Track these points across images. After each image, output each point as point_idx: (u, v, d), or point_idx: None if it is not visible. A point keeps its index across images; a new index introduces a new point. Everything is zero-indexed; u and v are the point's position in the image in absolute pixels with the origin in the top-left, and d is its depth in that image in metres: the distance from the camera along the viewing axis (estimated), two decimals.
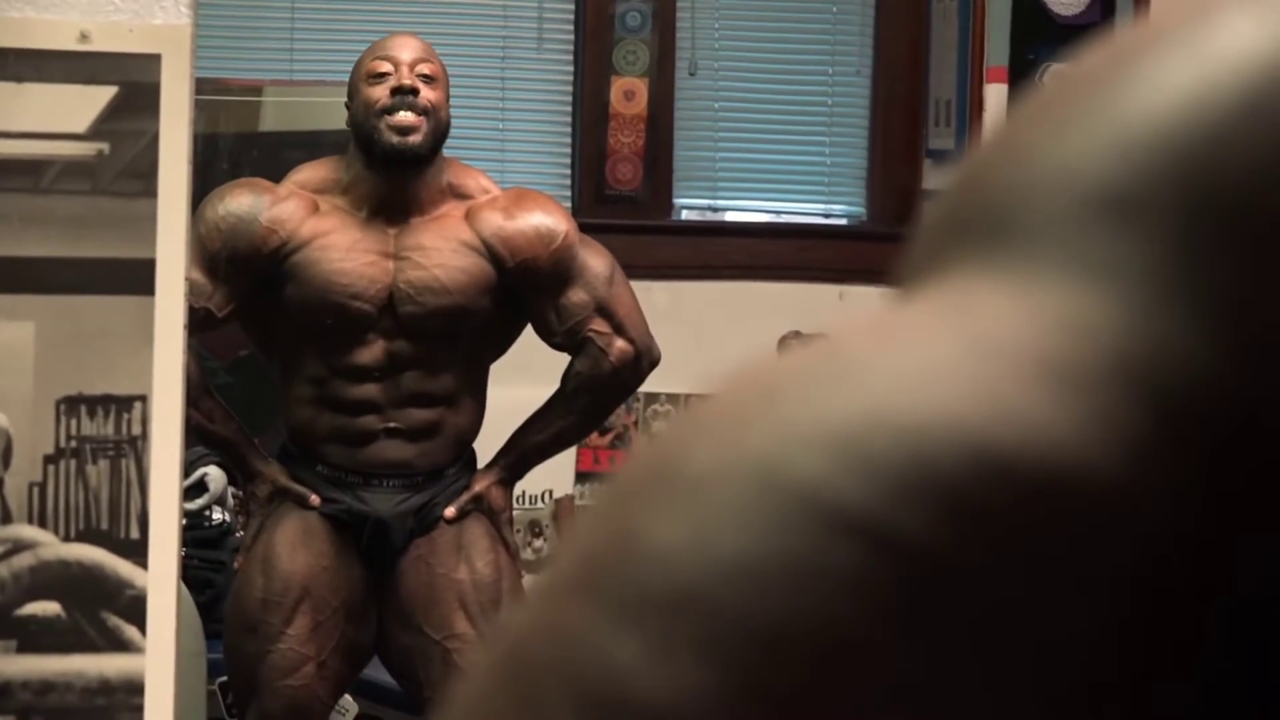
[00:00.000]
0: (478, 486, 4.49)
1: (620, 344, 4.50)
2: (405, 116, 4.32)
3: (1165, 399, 0.48)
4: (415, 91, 4.33)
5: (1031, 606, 0.47)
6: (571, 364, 4.53)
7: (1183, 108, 0.51)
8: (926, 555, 0.46)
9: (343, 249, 4.35)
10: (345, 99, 4.47)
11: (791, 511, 0.47)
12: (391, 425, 4.41)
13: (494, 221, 4.42)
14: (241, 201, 4.38)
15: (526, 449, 4.57)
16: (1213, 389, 0.48)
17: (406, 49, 4.42)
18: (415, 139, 4.33)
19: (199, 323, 4.22)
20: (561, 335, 4.48)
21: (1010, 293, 0.50)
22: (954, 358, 0.49)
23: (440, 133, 4.38)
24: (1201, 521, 0.48)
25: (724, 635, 0.46)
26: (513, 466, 4.57)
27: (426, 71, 4.38)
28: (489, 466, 4.55)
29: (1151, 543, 0.48)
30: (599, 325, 4.48)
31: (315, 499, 4.42)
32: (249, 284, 4.36)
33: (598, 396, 4.57)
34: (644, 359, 4.55)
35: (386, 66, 4.36)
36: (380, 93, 4.34)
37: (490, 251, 4.39)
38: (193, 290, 4.09)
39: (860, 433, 0.48)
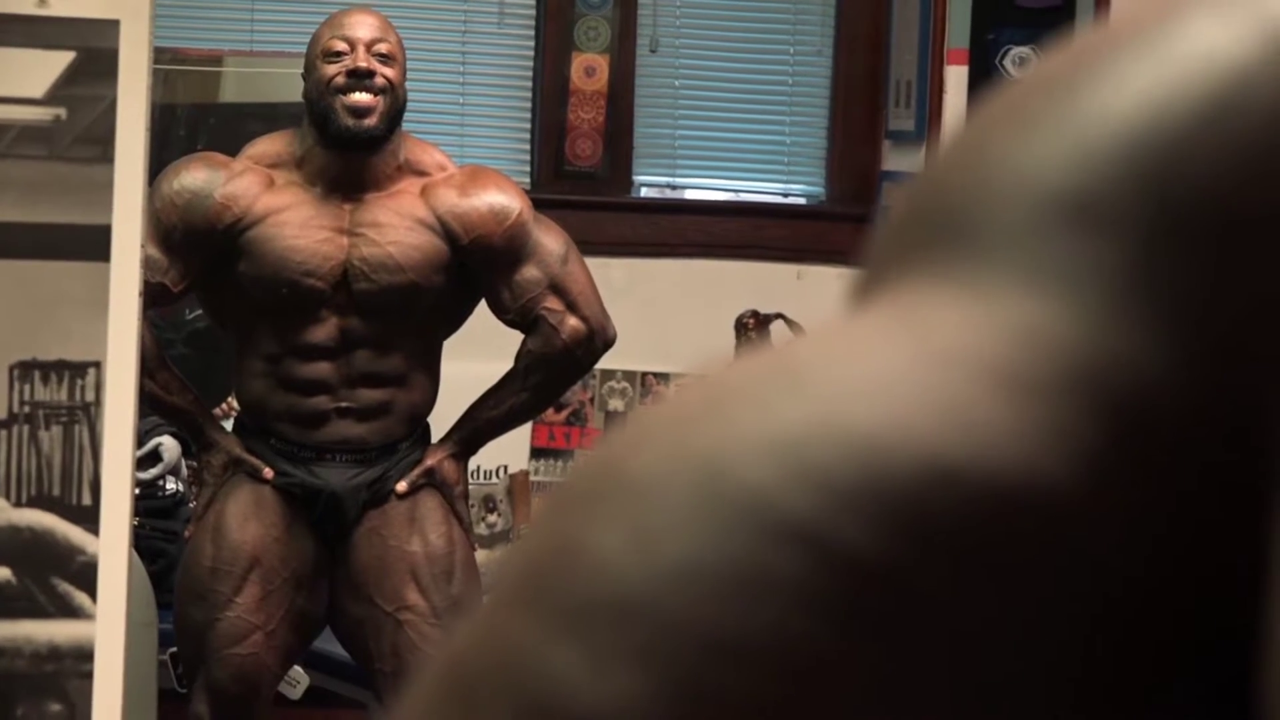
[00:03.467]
0: (430, 461, 4.50)
1: (573, 322, 4.50)
2: (361, 97, 4.32)
3: (1122, 408, 0.48)
4: (371, 74, 4.33)
5: (988, 620, 0.46)
6: (524, 341, 4.54)
7: (1144, 113, 0.50)
8: (876, 566, 0.46)
9: (296, 225, 4.34)
10: (302, 71, 4.46)
11: (736, 518, 0.46)
12: (343, 405, 4.40)
13: (449, 199, 4.41)
14: (196, 176, 4.38)
15: (479, 425, 4.58)
16: (1172, 397, 0.48)
17: (364, 27, 4.40)
18: (370, 120, 4.33)
19: (155, 297, 4.22)
20: (515, 312, 4.48)
21: (967, 300, 0.50)
22: (907, 367, 0.48)
23: (396, 112, 4.38)
24: (1165, 532, 0.47)
25: (664, 645, 0.46)
26: (466, 441, 4.57)
27: (383, 50, 4.38)
28: (442, 441, 4.55)
29: (1112, 554, 0.47)
30: (552, 303, 4.48)
31: (269, 472, 4.42)
32: (204, 259, 4.35)
33: (550, 374, 4.57)
34: (597, 338, 4.55)
35: (343, 45, 4.35)
36: (336, 72, 4.33)
37: (445, 228, 4.39)
38: (149, 265, 4.09)
39: (809, 441, 0.47)
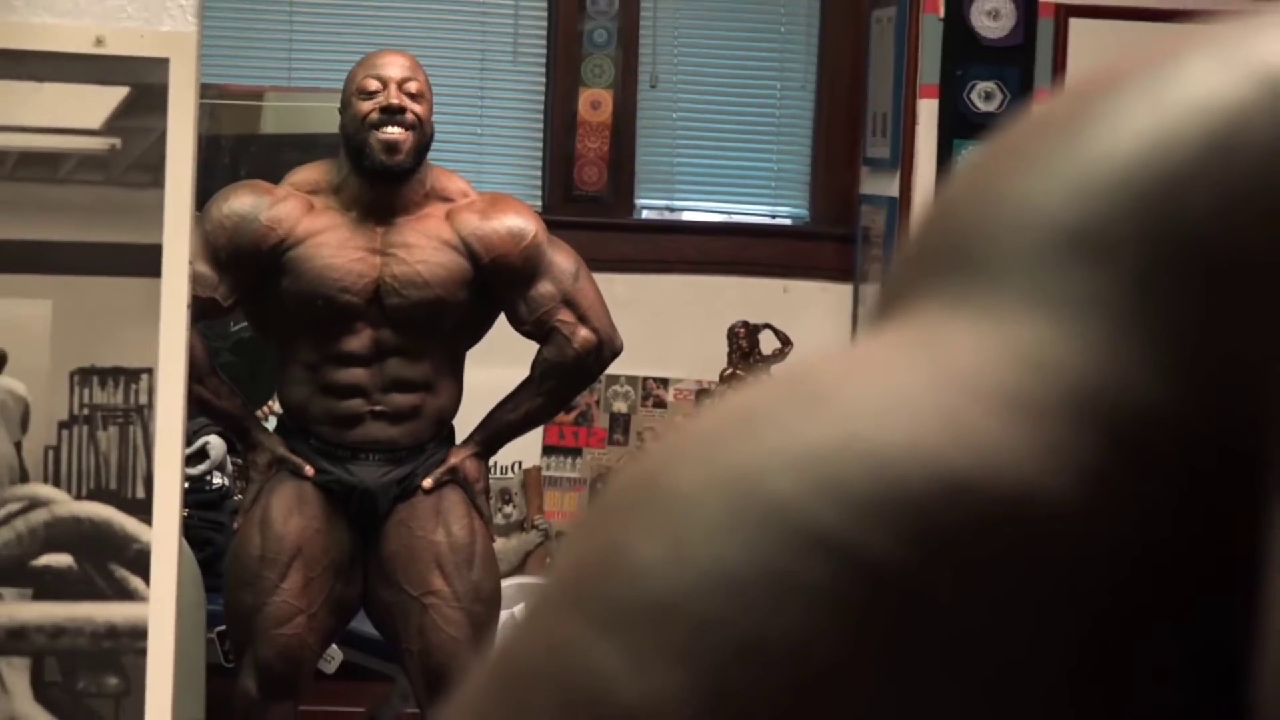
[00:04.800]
0: (453, 460, 4.50)
1: (584, 333, 4.51)
2: (392, 131, 4.33)
3: (1119, 429, 0.47)
4: (402, 110, 4.34)
5: (993, 624, 0.46)
6: (540, 351, 4.54)
7: (1143, 150, 0.49)
8: (891, 572, 0.45)
9: (334, 246, 4.36)
10: (339, 106, 4.47)
11: (765, 529, 0.46)
12: (377, 408, 4.42)
13: (471, 222, 4.43)
14: (244, 201, 4.39)
15: (499, 427, 4.58)
16: (1168, 419, 0.47)
17: (395, 67, 4.42)
18: (400, 156, 4.35)
19: (206, 311, 4.23)
20: (531, 324, 4.50)
21: (976, 327, 0.49)
22: (921, 389, 0.48)
23: (424, 145, 4.39)
24: (1164, 548, 0.47)
25: (699, 644, 0.45)
26: (486, 442, 4.58)
27: (413, 89, 4.39)
28: (465, 442, 4.55)
29: (1111, 567, 0.46)
30: (565, 316, 4.49)
31: (310, 470, 4.42)
32: (250, 276, 4.36)
33: (563, 380, 4.58)
34: (605, 347, 4.56)
35: (376, 84, 4.37)
36: (370, 108, 4.34)
37: (468, 249, 4.41)
38: (200, 282, 4.09)
39: (832, 457, 0.46)
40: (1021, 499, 0.46)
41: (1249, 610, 0.46)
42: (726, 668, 0.45)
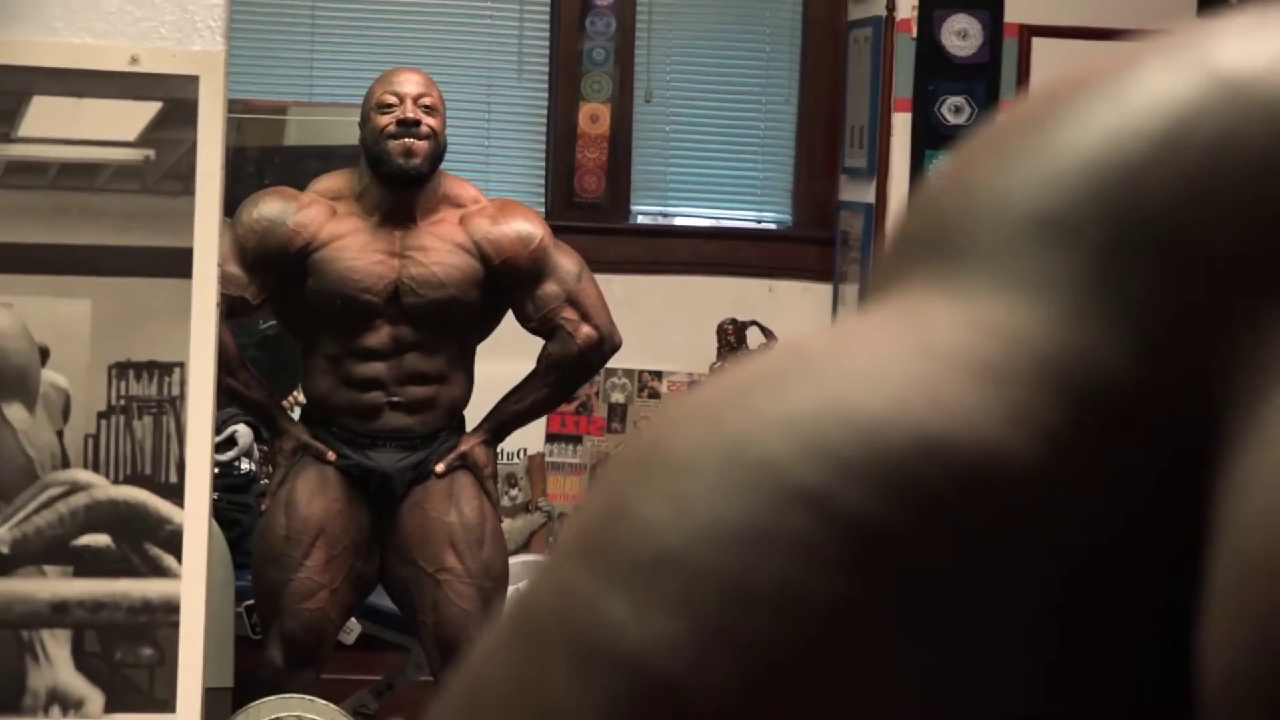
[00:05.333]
0: (463, 446, 4.50)
1: (586, 330, 4.51)
2: (409, 143, 4.34)
3: (1083, 396, 0.47)
4: (418, 123, 4.35)
5: (963, 574, 0.46)
6: (545, 347, 4.55)
7: (1104, 143, 0.50)
8: (871, 525, 0.46)
9: (355, 249, 4.37)
10: (358, 120, 4.48)
11: (757, 487, 0.46)
12: (395, 399, 4.43)
13: (483, 227, 4.44)
14: (272, 207, 4.40)
15: (507, 416, 4.59)
16: (1128, 387, 0.48)
17: (410, 84, 4.43)
18: (417, 161, 4.35)
19: (236, 309, 4.23)
20: (537, 321, 4.50)
21: (954, 304, 0.50)
22: (900, 359, 0.48)
23: (438, 154, 4.40)
24: (1127, 509, 0.47)
25: (695, 592, 0.46)
26: (494, 430, 4.58)
27: (427, 103, 4.39)
28: (474, 430, 4.55)
29: (1072, 517, 0.47)
30: (568, 314, 4.49)
31: (332, 455, 4.42)
32: (278, 276, 4.37)
33: (566, 374, 4.58)
34: (606, 343, 4.56)
35: (393, 99, 4.38)
36: (388, 121, 4.35)
37: (480, 251, 4.42)
38: (231, 281, 4.10)
39: (818, 421, 0.47)
40: (992, 458, 0.46)
41: (1201, 559, 0.47)
42: (719, 614, 0.46)
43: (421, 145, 4.34)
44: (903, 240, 0.54)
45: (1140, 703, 0.48)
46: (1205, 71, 0.50)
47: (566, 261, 4.51)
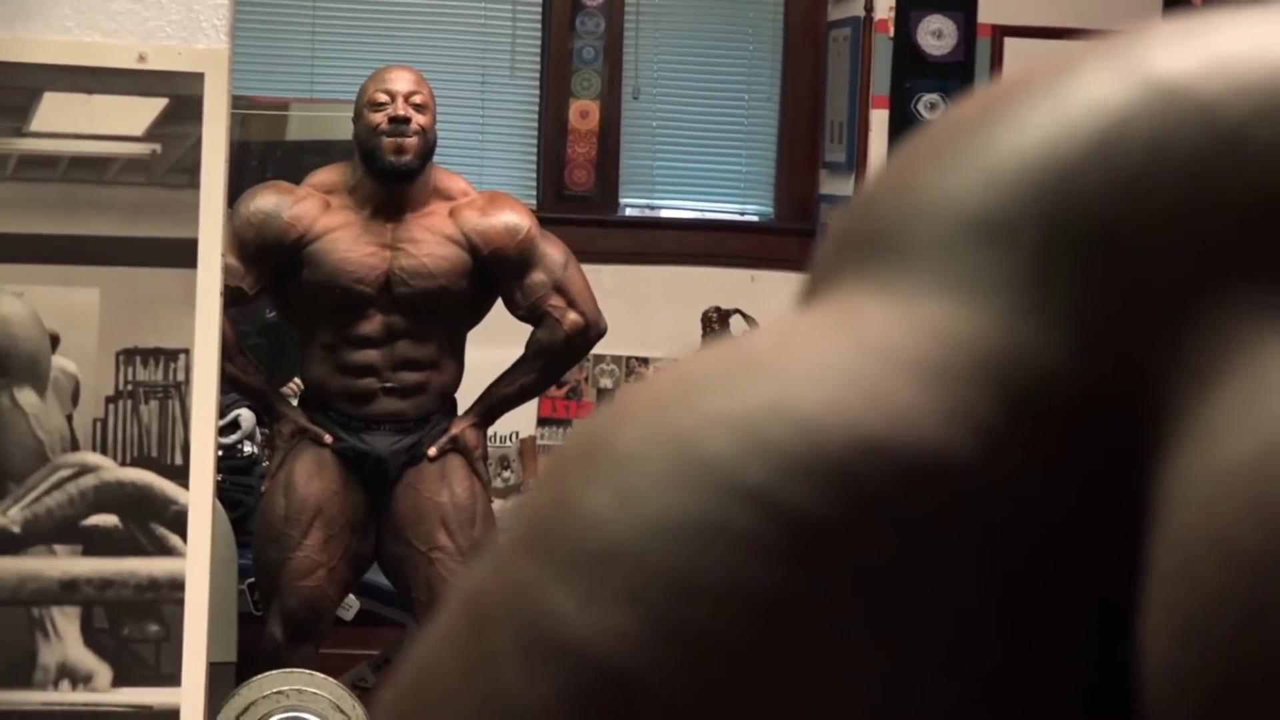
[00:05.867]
0: (454, 430, 4.50)
1: (572, 316, 4.51)
2: (400, 141, 4.33)
3: (1021, 394, 0.47)
4: (408, 120, 4.34)
5: (905, 571, 0.45)
6: (533, 333, 4.54)
7: (1040, 148, 0.49)
8: (813, 521, 0.45)
9: (349, 241, 4.36)
10: (353, 116, 4.47)
11: (700, 483, 0.46)
12: (388, 385, 4.42)
13: (472, 219, 4.44)
14: (268, 200, 4.39)
15: (496, 400, 4.58)
16: (1064, 385, 0.47)
17: (401, 81, 4.41)
18: (407, 157, 4.34)
19: (235, 298, 4.22)
20: (525, 309, 4.50)
21: (891, 304, 0.49)
22: (841, 358, 0.47)
23: (428, 150, 4.39)
24: (1060, 493, 0.46)
25: (643, 584, 0.45)
26: (484, 414, 4.58)
27: (418, 101, 4.38)
28: (465, 414, 4.55)
29: (1011, 512, 0.46)
30: (555, 301, 4.49)
31: (328, 438, 4.42)
32: (274, 267, 4.36)
33: (553, 359, 4.58)
34: (592, 329, 4.56)
35: (384, 97, 4.37)
36: (380, 119, 4.34)
37: (469, 242, 4.41)
38: (229, 273, 4.09)
39: (760, 418, 0.46)
40: (931, 456, 0.46)
41: (1139, 551, 0.46)
42: (664, 607, 0.45)
43: (412, 142, 4.34)
44: (842, 238, 0.53)
45: (1088, 702, 0.47)
46: (1141, 75, 0.50)
47: (553, 251, 4.51)
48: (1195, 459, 0.45)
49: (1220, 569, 0.44)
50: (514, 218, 4.48)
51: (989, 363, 0.47)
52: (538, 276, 4.48)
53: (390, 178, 4.36)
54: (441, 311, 4.42)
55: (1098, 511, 0.47)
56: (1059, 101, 0.50)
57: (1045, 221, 0.49)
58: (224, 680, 4.13)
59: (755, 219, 6.27)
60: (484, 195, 4.56)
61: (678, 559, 0.45)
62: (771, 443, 0.46)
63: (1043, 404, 0.47)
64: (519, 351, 4.59)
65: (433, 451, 4.46)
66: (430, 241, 4.38)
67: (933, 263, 0.50)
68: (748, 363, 0.49)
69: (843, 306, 0.50)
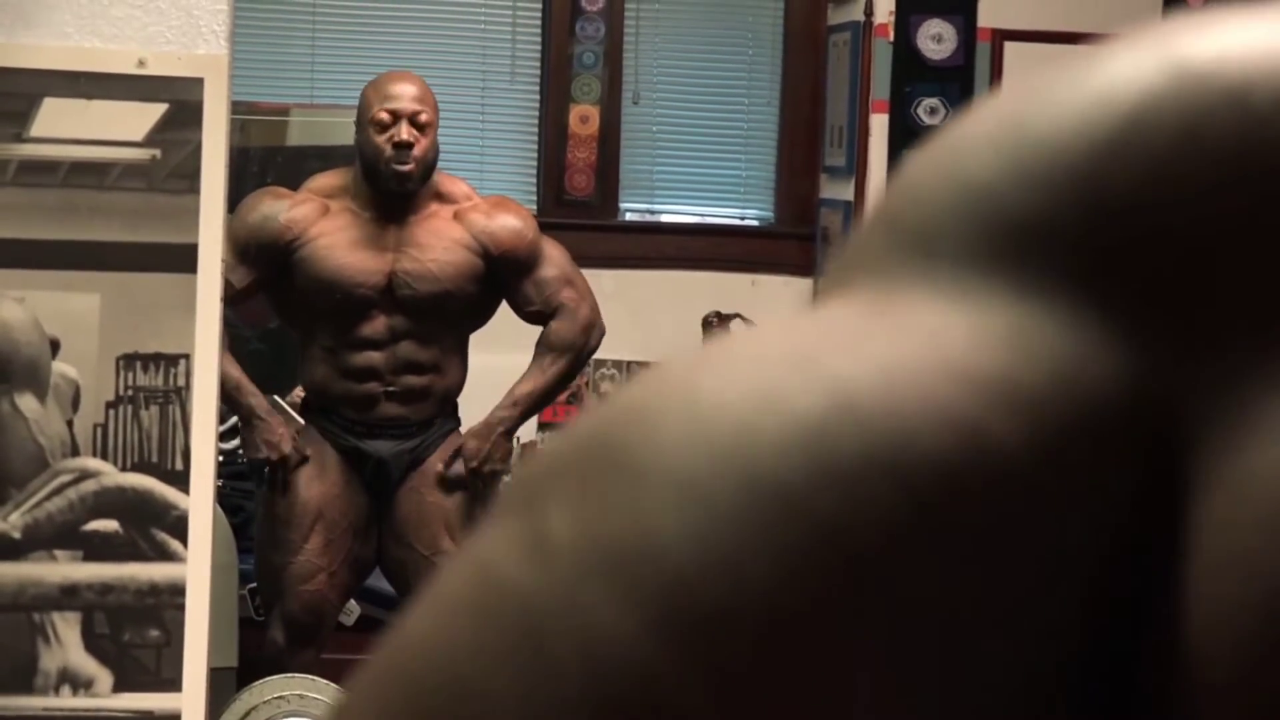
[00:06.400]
0: (472, 445, 4.48)
1: (586, 309, 4.53)
2: (403, 169, 4.33)
3: (1084, 408, 0.46)
4: (412, 145, 4.33)
5: (971, 592, 0.45)
6: (549, 326, 4.54)
7: (1075, 132, 0.49)
8: (889, 561, 0.45)
9: (348, 244, 4.37)
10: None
11: (777, 520, 0.45)
12: (390, 389, 4.42)
13: (480, 222, 4.45)
14: (265, 204, 4.41)
15: (529, 401, 4.56)
16: (1112, 389, 0.47)
17: (406, 98, 4.39)
18: (410, 183, 4.35)
19: (230, 297, 4.23)
20: (540, 303, 4.50)
21: (946, 306, 0.48)
22: (904, 368, 0.46)
23: (430, 165, 4.39)
24: (1105, 498, 0.46)
25: (717, 625, 0.44)
26: (509, 421, 4.55)
27: (422, 120, 4.37)
28: (489, 425, 4.51)
29: (1059, 518, 0.46)
30: (569, 294, 4.51)
31: (288, 446, 4.39)
32: (269, 269, 4.36)
33: (573, 351, 4.55)
34: (598, 326, 4.58)
35: (388, 117, 4.35)
36: (383, 142, 4.33)
37: (480, 244, 4.43)
38: (228, 272, 4.10)
39: (829, 438, 0.45)
40: (995, 471, 0.45)
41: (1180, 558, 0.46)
42: (737, 647, 0.45)
43: (414, 168, 4.35)
44: (885, 224, 0.52)
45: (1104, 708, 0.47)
46: (1171, 60, 0.50)
47: (556, 252, 4.54)
48: (1244, 460, 0.45)
49: (1270, 568, 0.44)
50: (518, 222, 4.51)
51: (1050, 379, 0.47)
52: (549, 271, 4.50)
53: (393, 194, 4.38)
54: (446, 315, 4.42)
55: (1147, 513, 0.46)
56: (1091, 87, 0.50)
57: (1083, 213, 0.48)
58: (225, 685, 4.12)
59: (755, 223, 6.27)
60: (489, 199, 4.58)
61: (755, 603, 0.45)
62: (845, 473, 0.45)
63: (1108, 422, 0.47)
64: (522, 355, 4.58)
65: (440, 468, 4.46)
66: (436, 246, 4.39)
67: (978, 262, 0.49)
68: (800, 360, 0.47)
69: (894, 302, 0.49)
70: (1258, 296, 0.47)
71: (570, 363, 4.58)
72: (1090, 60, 0.51)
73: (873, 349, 0.47)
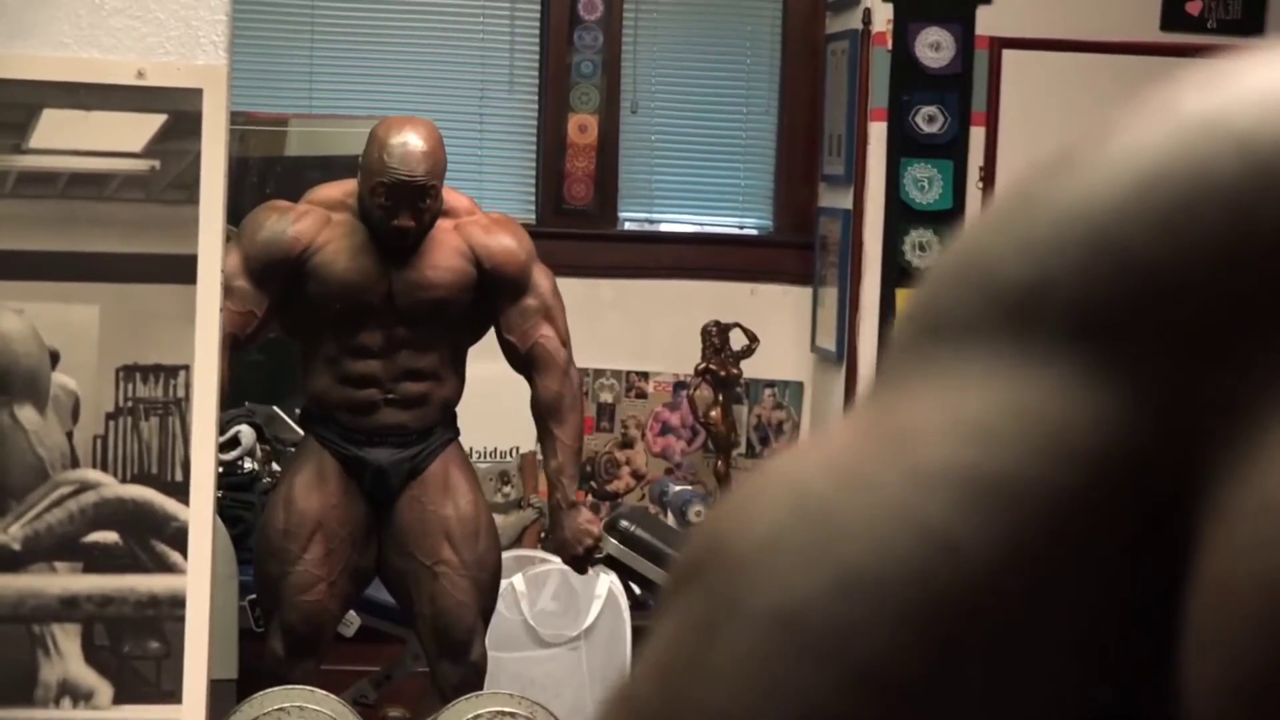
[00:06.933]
0: (583, 526, 4.53)
1: (564, 353, 4.51)
2: (404, 237, 4.33)
3: (1089, 457, 0.48)
4: (415, 225, 4.32)
5: (1030, 623, 0.47)
6: (534, 385, 4.51)
7: (1081, 199, 0.50)
8: (891, 657, 0.47)
9: (350, 253, 4.37)
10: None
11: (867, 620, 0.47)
12: (390, 396, 4.42)
13: (477, 235, 4.46)
14: (270, 220, 4.39)
15: (575, 461, 4.57)
16: (1129, 447, 0.48)
17: (415, 169, 4.30)
18: (409, 240, 4.35)
19: (245, 332, 4.24)
20: (517, 336, 4.47)
21: (937, 395, 0.50)
22: (866, 483, 0.49)
23: (434, 221, 4.38)
24: (1129, 547, 0.48)
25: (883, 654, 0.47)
26: (572, 497, 4.56)
27: (430, 191, 4.32)
28: (564, 502, 4.53)
29: (1100, 558, 0.47)
30: (546, 331, 4.48)
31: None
32: (281, 285, 4.36)
33: (563, 399, 4.53)
34: (571, 363, 4.56)
35: (390, 195, 4.29)
36: (385, 212, 4.30)
37: (474, 256, 4.43)
38: (246, 298, 4.15)
39: (957, 480, 0.47)
40: (976, 588, 0.47)
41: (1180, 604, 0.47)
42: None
43: (414, 231, 4.35)
44: (905, 315, 0.54)
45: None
46: (1175, 114, 0.50)
47: (543, 279, 4.52)
48: (1238, 501, 0.46)
49: (1261, 602, 0.44)
50: (513, 243, 4.50)
51: (1086, 442, 0.48)
52: (531, 301, 4.49)
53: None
54: (443, 323, 4.43)
55: (1165, 559, 0.48)
56: (1096, 155, 0.51)
57: (1085, 277, 0.49)
58: (225, 697, 4.11)
59: (754, 232, 6.27)
60: (489, 216, 4.57)
61: (894, 633, 0.48)
62: (963, 497, 0.48)
63: (1112, 466, 0.48)
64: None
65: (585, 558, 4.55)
66: (434, 255, 4.39)
67: (979, 336, 0.50)
68: (782, 479, 0.51)
69: (892, 402, 0.51)
70: (1272, 343, 0.47)
71: (569, 406, 4.56)
72: (1095, 130, 0.51)
73: (844, 462, 0.50)
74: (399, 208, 4.30)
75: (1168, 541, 0.47)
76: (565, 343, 4.52)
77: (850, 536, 0.48)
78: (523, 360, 4.49)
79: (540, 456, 4.69)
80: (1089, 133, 0.52)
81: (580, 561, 4.60)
